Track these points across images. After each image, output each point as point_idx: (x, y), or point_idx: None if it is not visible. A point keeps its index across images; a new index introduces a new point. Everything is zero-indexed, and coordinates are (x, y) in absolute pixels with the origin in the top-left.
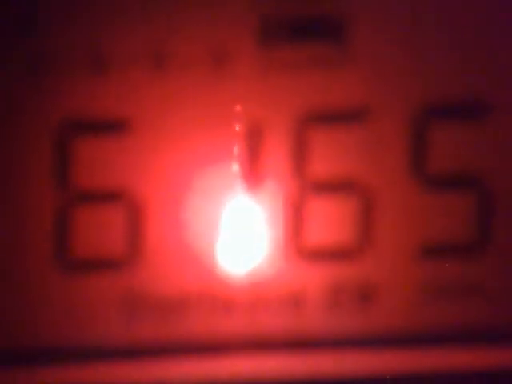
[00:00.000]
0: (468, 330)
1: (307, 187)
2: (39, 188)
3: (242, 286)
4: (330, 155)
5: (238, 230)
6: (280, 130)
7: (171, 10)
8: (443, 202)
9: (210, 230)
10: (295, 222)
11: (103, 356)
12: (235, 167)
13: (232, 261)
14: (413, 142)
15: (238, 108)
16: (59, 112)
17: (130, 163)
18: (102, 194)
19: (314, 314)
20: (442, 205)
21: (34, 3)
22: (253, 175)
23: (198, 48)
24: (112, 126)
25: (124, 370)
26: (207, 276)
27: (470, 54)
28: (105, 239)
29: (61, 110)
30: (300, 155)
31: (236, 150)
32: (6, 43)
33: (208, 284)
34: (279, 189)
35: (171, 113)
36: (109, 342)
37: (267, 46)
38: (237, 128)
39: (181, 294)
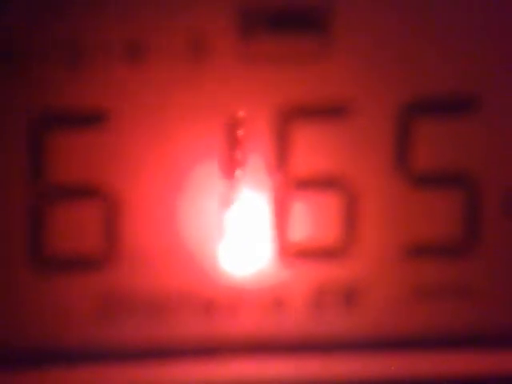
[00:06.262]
0: (456, 332)
1: (290, 184)
2: (13, 183)
3: (224, 286)
4: (313, 151)
5: (220, 228)
6: (261, 124)
7: (151, 1)
8: (430, 200)
9: (191, 228)
10: (278, 220)
11: (80, 359)
12: (216, 163)
13: (214, 260)
14: (398, 137)
15: (219, 102)
16: (34, 104)
17: (108, 157)
18: (78, 189)
19: (298, 315)
20: (428, 203)
21: None
22: (234, 171)
23: (178, 40)
24: (88, 119)
25: (101, 374)
26: (188, 276)
27: (456, 48)
28: (82, 237)
29: (35, 102)
30: (282, 151)
31: (217, 145)
32: None
33: (189, 284)
34: (261, 186)
35: (150, 106)
36: (86, 344)
37: (248, 38)
38: (217, 122)
39: (161, 295)
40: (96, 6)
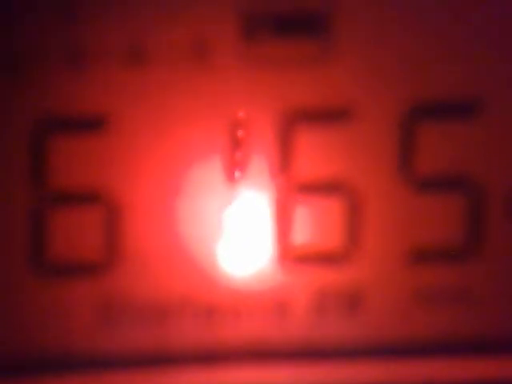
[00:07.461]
0: (459, 337)
1: (292, 188)
2: (14, 188)
3: (226, 291)
4: (316, 155)
5: (222, 233)
6: (264, 128)
7: (153, 3)
8: (433, 204)
9: (192, 233)
10: (280, 224)
11: (80, 365)
12: (218, 167)
13: (215, 265)
14: (401, 141)
15: (221, 105)
16: (35, 109)
17: (109, 162)
18: (79, 194)
19: (300, 320)
20: (431, 207)
21: None
22: (236, 176)
23: (180, 43)
24: (90, 123)
25: (101, 379)
26: (190, 280)
27: (459, 52)
28: (83, 242)
29: (37, 106)
30: (284, 154)
31: (219, 148)
32: None
33: (191, 289)
34: (264, 190)
35: (151, 109)
36: (87, 349)
37: (251, 42)
38: (219, 126)
39: (162, 300)
40: (97, 10)
